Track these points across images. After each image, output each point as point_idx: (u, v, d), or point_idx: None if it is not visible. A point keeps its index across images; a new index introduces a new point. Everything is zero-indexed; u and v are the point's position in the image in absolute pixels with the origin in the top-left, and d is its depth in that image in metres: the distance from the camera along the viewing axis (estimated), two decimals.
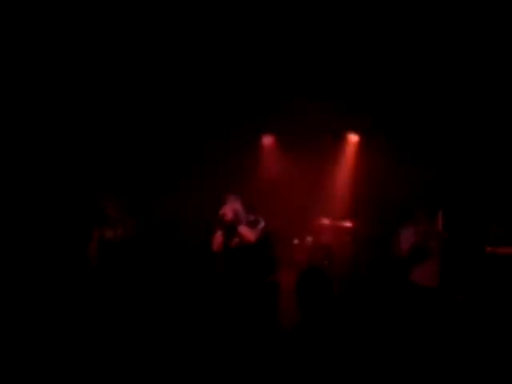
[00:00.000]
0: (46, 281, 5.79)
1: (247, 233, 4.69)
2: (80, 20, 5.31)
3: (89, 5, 5.10)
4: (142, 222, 5.89)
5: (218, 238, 4.77)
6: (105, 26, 5.43)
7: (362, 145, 7.39)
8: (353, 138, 7.47)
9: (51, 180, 6.53)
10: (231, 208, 4.71)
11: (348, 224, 6.89)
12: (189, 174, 7.11)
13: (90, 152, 6.82)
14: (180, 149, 7.21)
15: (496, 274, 5.33)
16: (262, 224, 4.79)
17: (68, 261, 5.97)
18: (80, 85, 6.37)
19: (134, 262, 5.45)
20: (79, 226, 5.97)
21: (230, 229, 4.73)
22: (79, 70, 6.14)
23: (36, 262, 6.02)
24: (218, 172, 6.96)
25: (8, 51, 5.57)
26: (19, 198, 6.37)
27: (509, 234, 5.48)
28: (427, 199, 5.12)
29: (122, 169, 6.90)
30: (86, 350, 4.51)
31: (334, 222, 6.94)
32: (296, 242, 6.82)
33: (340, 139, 7.46)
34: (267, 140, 7.68)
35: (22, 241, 6.14)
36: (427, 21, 5.21)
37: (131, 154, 7.08)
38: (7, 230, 6.15)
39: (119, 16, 5.31)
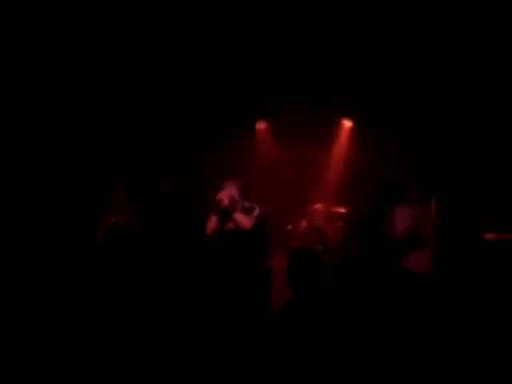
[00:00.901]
0: (50, 271, 5.80)
1: (243, 220, 4.73)
2: (77, 19, 5.32)
3: (86, 4, 5.11)
4: (145, 209, 5.93)
5: (213, 222, 4.80)
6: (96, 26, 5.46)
7: (355, 130, 7.40)
8: (346, 123, 7.47)
9: (57, 167, 6.56)
10: (228, 194, 4.75)
11: (341, 209, 6.91)
12: (186, 161, 7.14)
13: (93, 140, 6.88)
14: (176, 137, 7.23)
15: (491, 261, 5.36)
16: (257, 211, 4.83)
17: (76, 247, 5.97)
18: (80, 81, 6.46)
19: (136, 249, 5.48)
20: (88, 212, 5.98)
21: (225, 214, 4.76)
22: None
23: (42, 250, 6.02)
24: (214, 159, 6.99)
25: (8, 50, 5.57)
26: (27, 184, 6.40)
27: (505, 220, 5.51)
28: (421, 183, 5.05)
29: (124, 158, 6.94)
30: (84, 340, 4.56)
31: (327, 207, 6.95)
32: (290, 227, 6.84)
33: (334, 124, 7.46)
34: (261, 126, 7.68)
35: (28, 228, 6.16)
36: (419, 12, 5.24)
37: (132, 143, 7.12)
38: (15, 219, 6.17)
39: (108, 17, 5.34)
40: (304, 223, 6.85)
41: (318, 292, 2.96)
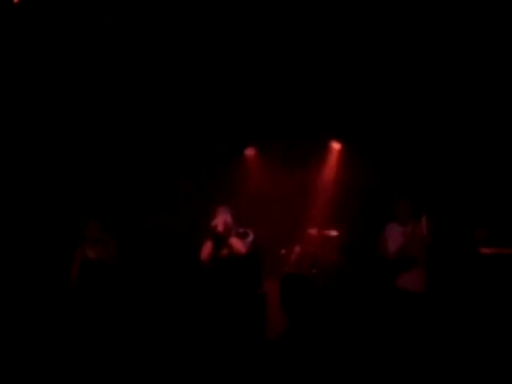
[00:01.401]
0: (26, 301, 5.68)
1: (238, 245, 4.73)
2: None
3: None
4: (126, 241, 5.85)
5: (208, 247, 4.80)
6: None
7: (344, 152, 7.39)
8: (336, 145, 7.47)
9: (32, 200, 6.45)
10: (222, 220, 4.76)
11: (334, 233, 6.85)
12: (175, 187, 7.07)
13: (72, 170, 6.77)
14: (166, 162, 7.17)
15: (484, 276, 5.34)
16: (251, 236, 4.86)
17: (50, 281, 5.87)
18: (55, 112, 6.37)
19: (114, 283, 5.41)
20: (62, 246, 5.90)
21: (220, 240, 4.75)
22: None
23: (16, 281, 5.90)
24: (204, 185, 6.94)
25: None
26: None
27: (494, 235, 5.51)
28: (410, 202, 5.11)
29: (107, 185, 6.85)
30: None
31: (320, 232, 6.90)
32: (283, 252, 6.78)
33: (323, 147, 7.46)
34: (249, 152, 7.66)
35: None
36: (405, 34, 5.31)
37: (117, 170, 7.02)
38: None
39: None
40: (297, 248, 6.79)
41: (311, 316, 2.90)
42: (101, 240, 5.47)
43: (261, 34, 5.61)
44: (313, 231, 6.95)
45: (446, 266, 5.36)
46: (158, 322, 5.62)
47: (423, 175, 6.53)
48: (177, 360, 4.71)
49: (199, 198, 6.76)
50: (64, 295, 5.44)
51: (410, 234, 4.81)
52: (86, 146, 6.79)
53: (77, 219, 5.75)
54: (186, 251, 5.88)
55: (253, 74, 6.26)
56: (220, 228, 4.70)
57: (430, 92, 6.16)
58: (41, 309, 5.59)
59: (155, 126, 6.95)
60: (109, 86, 6.28)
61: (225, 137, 7.14)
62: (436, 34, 5.36)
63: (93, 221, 5.57)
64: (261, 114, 6.90)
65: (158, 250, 6.72)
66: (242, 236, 4.83)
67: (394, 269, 4.85)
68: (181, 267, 6.37)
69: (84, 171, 6.80)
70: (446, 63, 5.72)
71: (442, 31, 5.32)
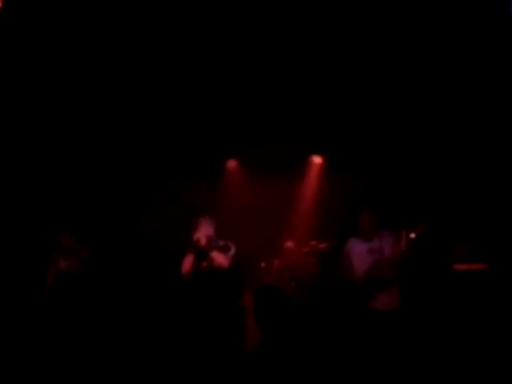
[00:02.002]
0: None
1: (220, 259, 4.67)
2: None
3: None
4: (104, 251, 5.81)
5: (189, 261, 4.72)
6: None
7: (325, 166, 7.46)
8: (316, 159, 7.53)
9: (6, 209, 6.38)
10: (205, 233, 4.69)
11: (314, 246, 6.88)
12: (153, 199, 7.05)
13: (49, 178, 6.70)
14: (144, 175, 7.15)
15: (461, 292, 5.33)
16: (233, 250, 4.78)
17: (23, 291, 5.79)
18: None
19: (87, 294, 5.36)
20: (37, 257, 5.83)
21: (201, 254, 4.69)
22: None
23: None
24: (183, 197, 6.92)
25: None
26: None
27: (474, 251, 5.51)
28: (375, 213, 4.79)
29: (83, 196, 6.79)
30: None
31: (299, 245, 6.93)
32: (263, 265, 6.78)
33: (303, 161, 7.52)
34: (231, 164, 7.68)
35: None
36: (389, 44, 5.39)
37: (96, 181, 6.97)
38: None
39: None
40: (277, 261, 6.81)
41: (286, 329, 2.88)
42: (75, 250, 5.43)
43: (243, 46, 5.63)
44: (290, 244, 6.98)
45: (421, 282, 5.32)
46: (134, 333, 5.55)
47: (403, 189, 6.58)
48: (152, 372, 4.65)
49: (178, 209, 6.73)
50: (36, 305, 5.37)
51: (379, 254, 4.53)
52: (60, 155, 6.72)
53: (52, 229, 5.70)
54: (165, 263, 5.84)
55: (235, 88, 6.28)
56: (202, 242, 4.64)
57: (407, 107, 6.24)
58: (11, 318, 5.49)
59: (134, 136, 6.91)
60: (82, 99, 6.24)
61: (205, 149, 7.13)
62: (415, 52, 5.46)
63: (65, 231, 5.53)
64: (242, 127, 6.91)
65: (136, 262, 6.67)
66: (224, 249, 4.75)
67: (365, 293, 4.55)
68: (160, 279, 6.32)
69: (60, 180, 6.74)
70: (424, 81, 5.82)
71: (419, 49, 5.41)
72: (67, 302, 5.27)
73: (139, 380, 4.63)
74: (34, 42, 5.40)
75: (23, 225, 6.46)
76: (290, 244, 6.97)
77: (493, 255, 5.54)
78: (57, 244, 5.49)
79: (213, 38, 5.46)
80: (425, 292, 5.43)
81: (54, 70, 5.76)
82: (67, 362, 4.79)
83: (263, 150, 7.09)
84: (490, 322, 4.98)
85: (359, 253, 4.66)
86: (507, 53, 5.12)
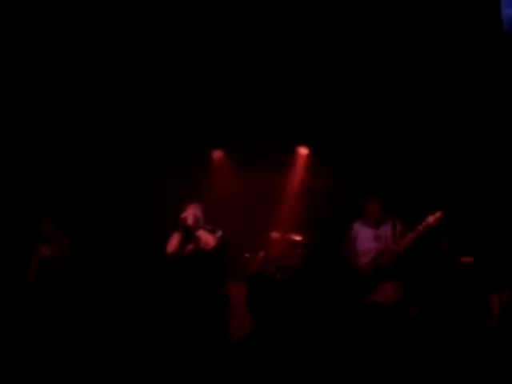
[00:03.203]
0: None
1: (207, 237, 4.64)
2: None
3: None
4: (85, 239, 5.75)
5: (175, 239, 4.71)
6: None
7: (311, 157, 7.44)
8: (303, 150, 7.50)
9: None
10: (192, 213, 4.67)
11: (299, 237, 6.87)
12: (140, 188, 6.99)
13: (35, 167, 6.61)
14: (131, 163, 7.09)
15: (454, 284, 5.30)
16: (219, 233, 4.77)
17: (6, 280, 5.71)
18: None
19: (70, 282, 5.32)
20: (19, 244, 5.76)
21: (188, 233, 4.67)
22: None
23: None
24: (170, 187, 6.85)
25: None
26: None
27: (459, 244, 5.51)
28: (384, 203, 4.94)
29: (69, 183, 6.71)
30: None
31: (285, 235, 6.91)
32: (248, 255, 6.75)
33: (290, 152, 7.48)
34: (217, 154, 7.62)
35: None
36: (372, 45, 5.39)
37: (85, 169, 6.92)
38: None
39: None
40: (261, 252, 6.78)
41: (277, 318, 2.87)
42: (54, 238, 5.37)
43: (229, 39, 5.63)
44: (276, 235, 6.95)
45: (416, 276, 5.28)
46: (116, 320, 5.51)
47: (390, 181, 6.58)
48: (136, 360, 4.62)
49: (163, 199, 6.67)
50: (20, 295, 5.30)
51: (384, 239, 4.60)
52: (42, 145, 6.66)
53: (33, 217, 5.64)
54: (149, 249, 5.80)
55: (222, 78, 6.25)
56: (190, 221, 4.62)
57: (394, 97, 6.24)
58: None
59: (121, 124, 6.86)
60: (69, 88, 6.16)
61: (191, 139, 7.07)
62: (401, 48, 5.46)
63: (45, 218, 5.46)
64: (229, 117, 6.88)
65: (120, 250, 6.61)
66: (211, 231, 4.76)
67: (369, 282, 4.60)
68: (144, 265, 6.28)
69: (41, 169, 6.67)
70: (412, 74, 5.83)
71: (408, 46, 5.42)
72: (51, 291, 5.21)
73: (121, 366, 4.58)
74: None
75: (6, 212, 6.37)
76: (275, 235, 6.95)
77: (475, 248, 5.57)
78: (38, 232, 5.43)
79: (199, 30, 5.45)
80: (428, 286, 5.36)
81: (41, 64, 5.74)
82: (52, 350, 4.74)
83: (249, 141, 7.05)
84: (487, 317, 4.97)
85: (365, 238, 4.74)
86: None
